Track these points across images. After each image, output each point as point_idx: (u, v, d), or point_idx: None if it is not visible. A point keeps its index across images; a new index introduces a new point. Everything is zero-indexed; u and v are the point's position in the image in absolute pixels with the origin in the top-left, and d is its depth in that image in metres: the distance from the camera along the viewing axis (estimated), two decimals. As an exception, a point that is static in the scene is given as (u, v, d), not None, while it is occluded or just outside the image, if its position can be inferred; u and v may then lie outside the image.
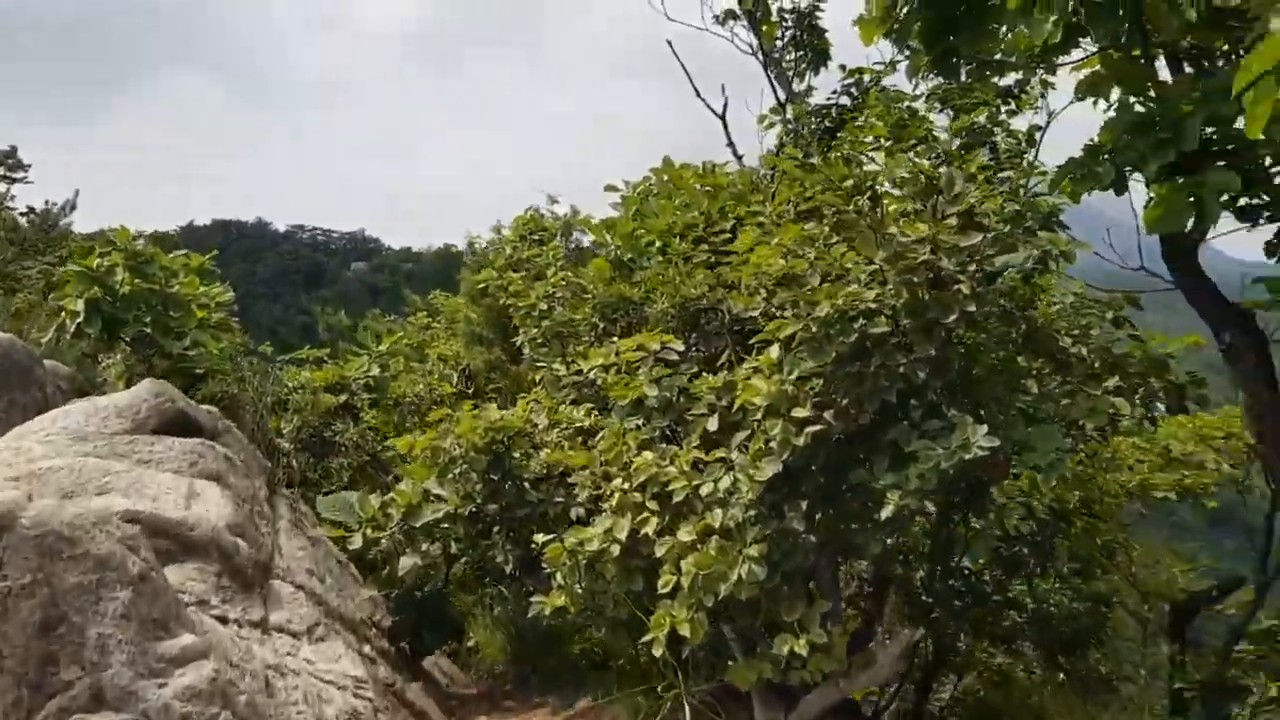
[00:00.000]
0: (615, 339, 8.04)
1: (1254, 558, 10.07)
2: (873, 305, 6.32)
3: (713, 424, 6.77)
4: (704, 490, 6.39)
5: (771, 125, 8.93)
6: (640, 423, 7.19)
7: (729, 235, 9.02)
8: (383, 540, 8.28)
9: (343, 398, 13.08)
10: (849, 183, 6.90)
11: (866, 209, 6.55)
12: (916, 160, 6.71)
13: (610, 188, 11.02)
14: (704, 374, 7.47)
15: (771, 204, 8.51)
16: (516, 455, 8.00)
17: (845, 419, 6.56)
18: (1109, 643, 10.44)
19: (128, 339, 13.41)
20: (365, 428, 12.84)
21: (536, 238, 10.14)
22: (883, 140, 8.64)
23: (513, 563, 8.02)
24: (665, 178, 10.94)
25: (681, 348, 7.41)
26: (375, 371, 13.46)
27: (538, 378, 8.66)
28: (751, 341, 7.36)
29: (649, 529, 6.45)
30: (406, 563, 8.49)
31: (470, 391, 11.78)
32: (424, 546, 8.50)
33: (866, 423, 6.53)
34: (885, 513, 6.11)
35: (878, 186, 6.79)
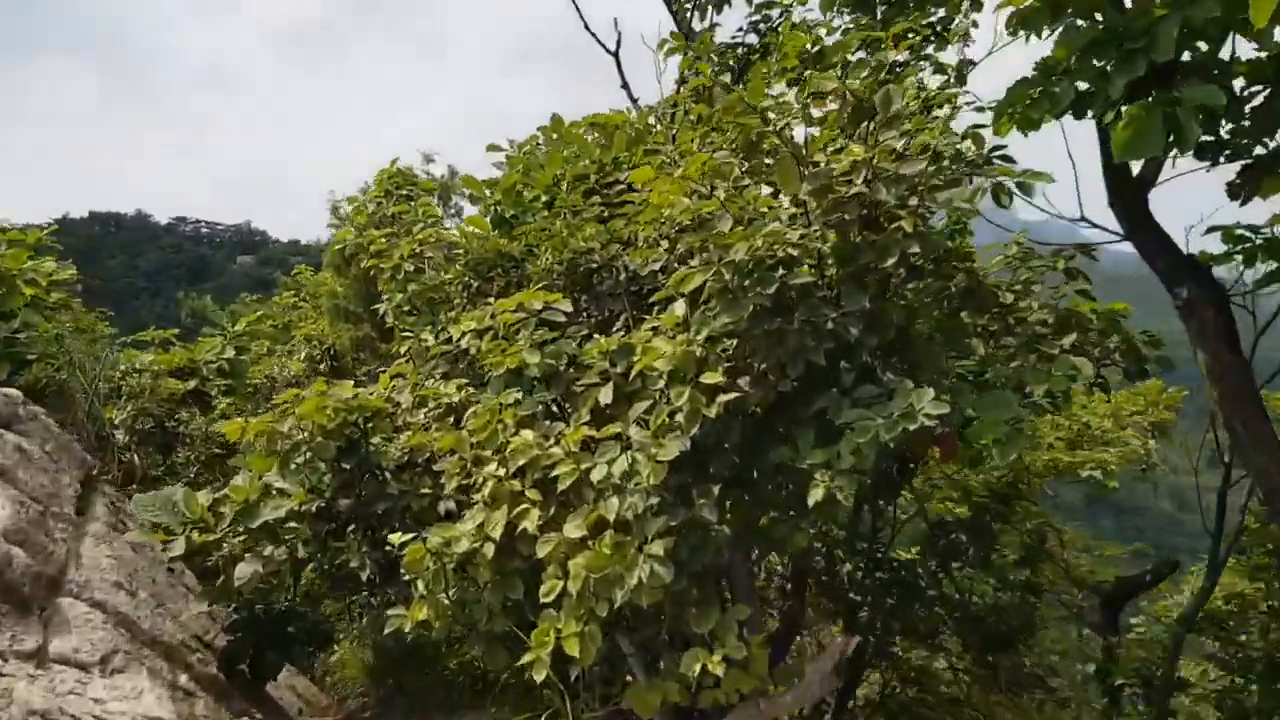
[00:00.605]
0: (492, 300, 6.81)
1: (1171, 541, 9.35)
2: (795, 250, 5.25)
3: (606, 395, 5.61)
4: (595, 475, 5.23)
5: (672, 52, 7.80)
6: (519, 396, 5.98)
7: (625, 187, 7.89)
8: (224, 545, 6.90)
9: (191, 384, 11.57)
10: (765, 106, 5.80)
11: (787, 135, 5.46)
12: (844, 81, 5.65)
13: (493, 147, 9.78)
14: (596, 338, 6.33)
15: (673, 145, 7.40)
16: (375, 441, 6.73)
17: (764, 385, 5.48)
18: (1039, 635, 9.62)
19: (-63, 319, 11.71)
20: (217, 416, 11.36)
21: (405, 193, 8.84)
22: (794, 75, 7.59)
23: (370, 567, 6.74)
24: (555, 135, 9.76)
25: (569, 309, 6.22)
26: (230, 354, 11.96)
27: (403, 349, 7.39)
28: (651, 300, 6.23)
29: (529, 523, 5.26)
30: (244, 570, 7.11)
31: (327, 372, 10.41)
32: (267, 550, 7.15)
33: (789, 390, 5.46)
34: (814, 497, 5.04)
35: (800, 109, 5.70)
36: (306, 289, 12.89)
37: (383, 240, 7.85)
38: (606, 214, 7.77)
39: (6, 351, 12.00)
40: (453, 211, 9.39)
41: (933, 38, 8.55)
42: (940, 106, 6.67)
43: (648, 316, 6.12)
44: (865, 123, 5.64)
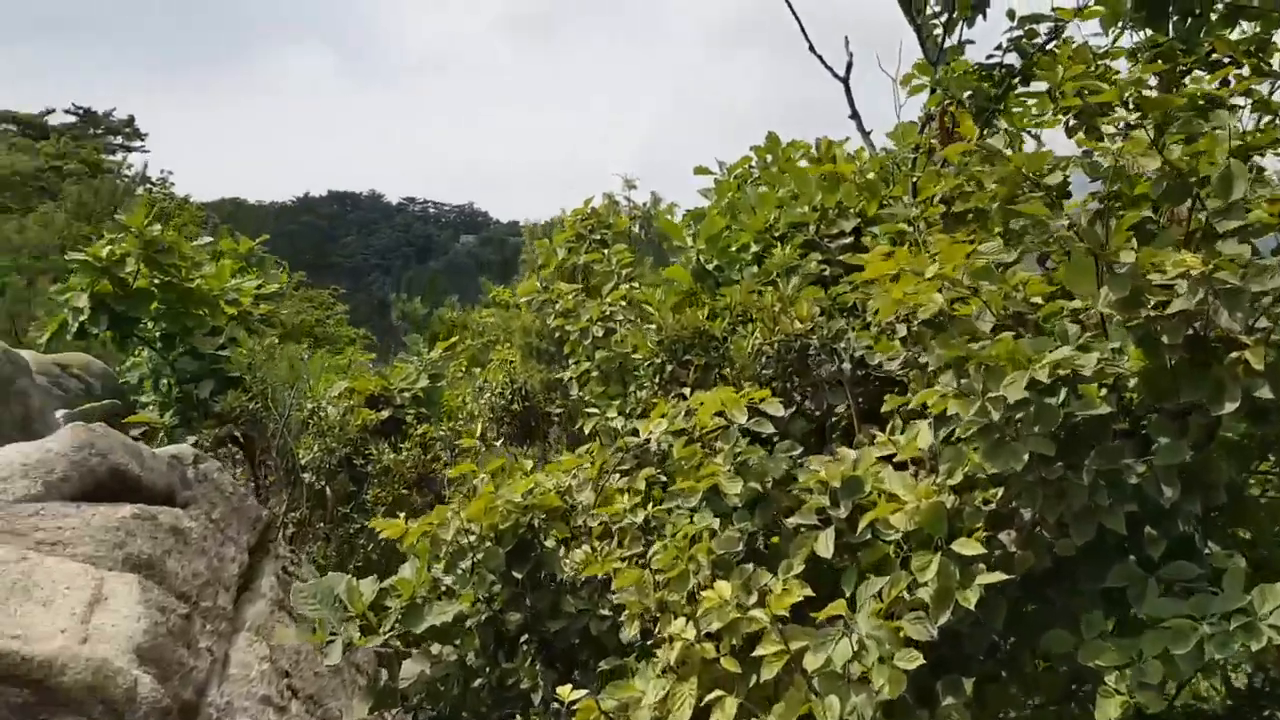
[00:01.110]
0: (687, 387, 5.76)
1: None
2: (1088, 373, 3.91)
3: (824, 546, 4.44)
4: (810, 662, 4.09)
5: (918, 90, 6.50)
6: (715, 525, 4.90)
7: (850, 240, 6.65)
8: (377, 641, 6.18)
9: (385, 413, 11.11)
10: (1045, 173, 4.47)
11: (1085, 219, 4.11)
12: (1160, 145, 4.23)
13: (701, 170, 8.71)
14: (811, 451, 5.16)
15: (913, 199, 6.11)
16: (550, 545, 5.82)
17: (1035, 546, 4.19)
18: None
19: (146, 339, 11.73)
20: (414, 445, 10.84)
21: (598, 238, 7.93)
22: (1072, 114, 6.12)
23: (543, 690, 5.85)
24: (769, 158, 8.58)
25: (779, 413, 5.08)
26: (424, 383, 11.45)
27: (588, 428, 6.47)
28: (885, 407, 5.01)
29: (726, 714, 4.18)
30: (410, 669, 6.38)
31: (518, 411, 9.61)
32: (435, 649, 6.39)
33: (1070, 554, 4.15)
34: (1104, 714, 3.74)
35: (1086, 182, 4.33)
36: (501, 313, 12.30)
37: (570, 298, 6.94)
38: (828, 272, 6.57)
39: (212, 369, 11.95)
40: (653, 238, 8.40)
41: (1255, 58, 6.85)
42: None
43: (879, 432, 4.90)
44: (1190, 199, 4.21)
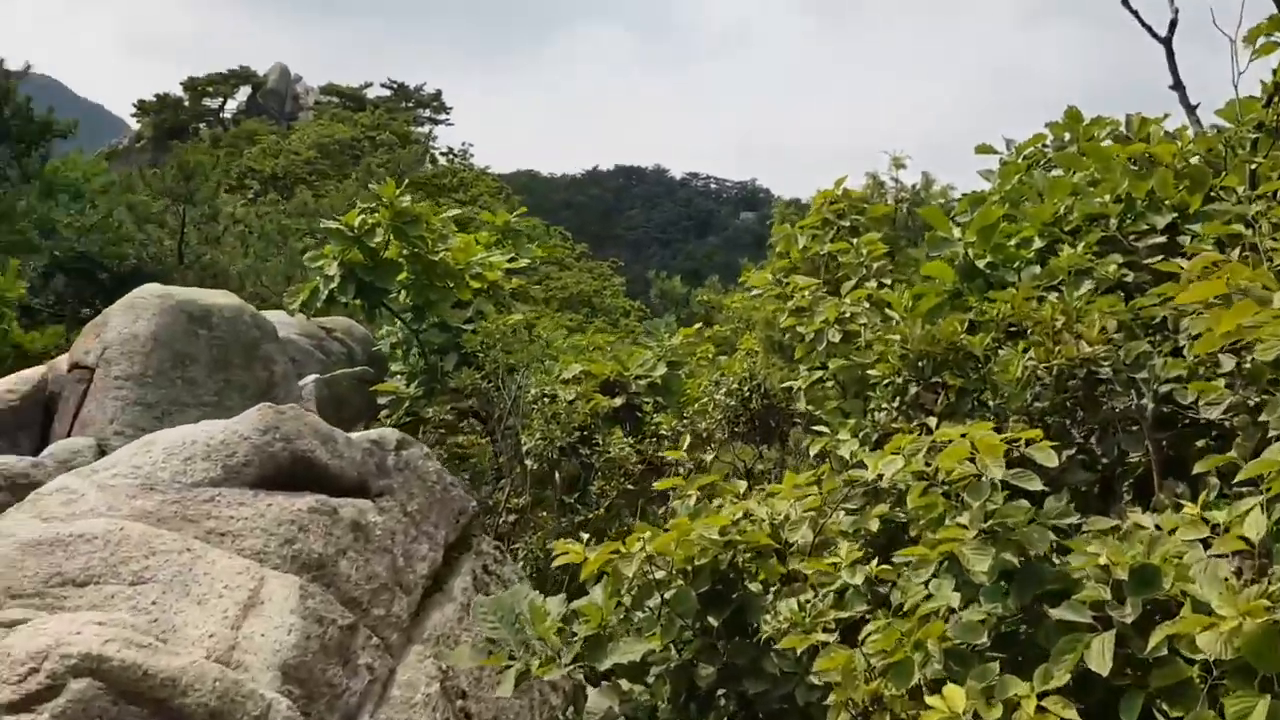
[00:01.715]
0: (933, 415, 4.64)
1: None
2: None
3: (1100, 656, 3.26)
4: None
5: (1270, 49, 4.97)
6: (957, 602, 3.81)
7: (1163, 240, 5.25)
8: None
9: (619, 400, 10.51)
10: None
11: None
12: None
13: (984, 149, 7.43)
14: (1091, 511, 3.95)
15: (1251, 191, 4.69)
16: (754, 588, 4.90)
17: None
18: None
19: (394, 309, 11.70)
20: (648, 437, 10.18)
21: (848, 224, 6.84)
22: None
23: (738, 759, 4.95)
24: (1066, 136, 7.18)
25: (1052, 460, 3.90)
26: (661, 371, 10.74)
27: (815, 448, 5.48)
28: (1199, 466, 3.73)
29: None
30: (597, 703, 5.69)
31: (757, 409, 8.71)
32: (624, 684, 5.64)
33: None
34: None
35: None
36: (743, 308, 11.37)
37: (806, 295, 5.93)
38: (1130, 278, 5.22)
39: (457, 342, 11.80)
40: (910, 242, 7.20)
41: None
42: None
43: (1187, 503, 3.62)
44: None
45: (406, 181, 25.64)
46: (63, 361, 9.36)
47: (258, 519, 5.27)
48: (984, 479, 3.88)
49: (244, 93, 77.84)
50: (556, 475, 9.92)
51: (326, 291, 10.60)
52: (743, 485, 5.62)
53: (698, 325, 11.83)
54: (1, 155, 18.24)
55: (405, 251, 10.79)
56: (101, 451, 8.30)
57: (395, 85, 79.78)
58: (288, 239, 20.24)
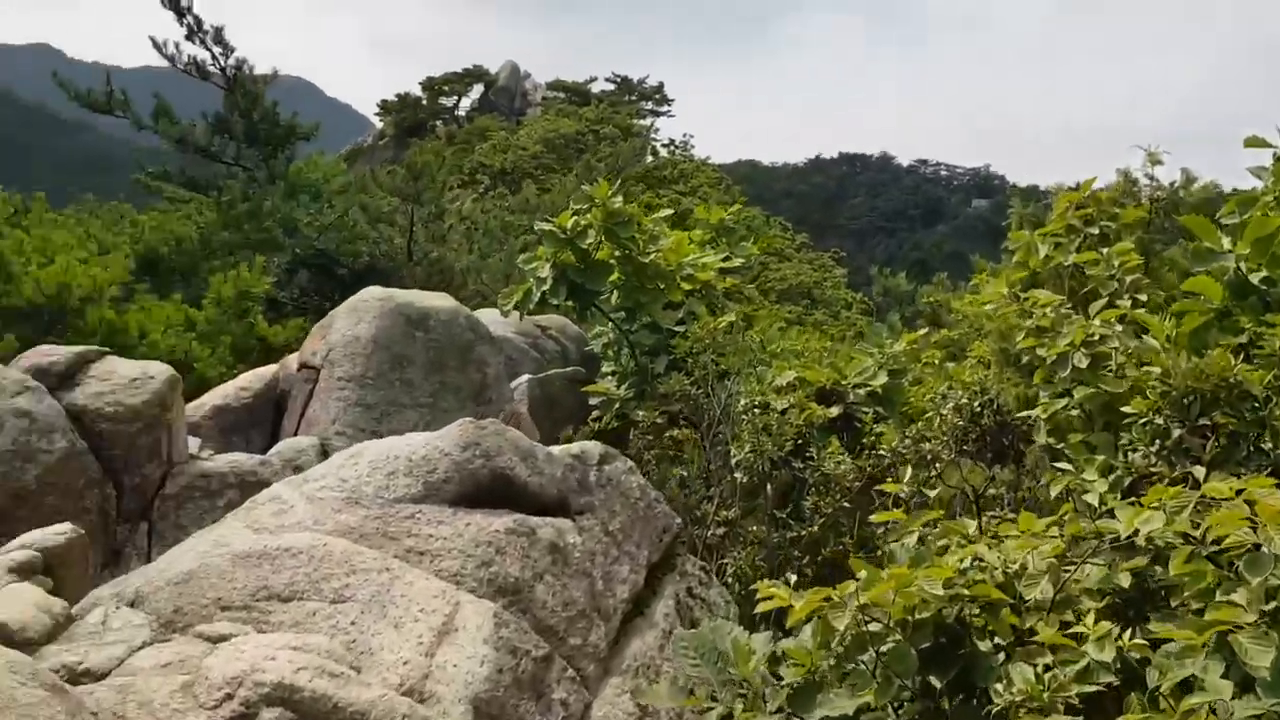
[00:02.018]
0: (1200, 464, 3.95)
1: None
2: None
3: None
4: None
5: None
6: (1229, 697, 3.18)
7: None
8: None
9: (835, 410, 9.97)
10: None
11: None
12: None
13: (1255, 142, 6.48)
14: None
15: None
16: (984, 647, 4.35)
17: None
18: None
19: (605, 310, 11.59)
20: (867, 451, 9.61)
21: (1096, 231, 6.04)
22: None
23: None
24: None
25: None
26: (882, 380, 10.12)
27: (1057, 488, 4.85)
28: None
29: None
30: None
31: (989, 425, 7.99)
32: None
33: None
34: None
35: None
36: (973, 312, 10.51)
37: (1047, 313, 5.28)
38: None
39: (668, 344, 11.58)
40: (1168, 250, 6.30)
41: None
42: None
43: None
44: None
45: (622, 177, 25.74)
46: (293, 360, 9.74)
47: (455, 538, 5.16)
48: (1265, 550, 3.22)
49: (476, 91, 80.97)
50: (769, 487, 9.52)
51: (539, 293, 10.60)
52: (971, 525, 5.07)
53: (923, 331, 11.12)
54: (251, 157, 19.47)
55: (616, 253, 10.65)
56: (324, 451, 8.55)
57: (619, 79, 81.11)
58: (510, 235, 20.68)
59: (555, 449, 6.29)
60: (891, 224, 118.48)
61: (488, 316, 12.13)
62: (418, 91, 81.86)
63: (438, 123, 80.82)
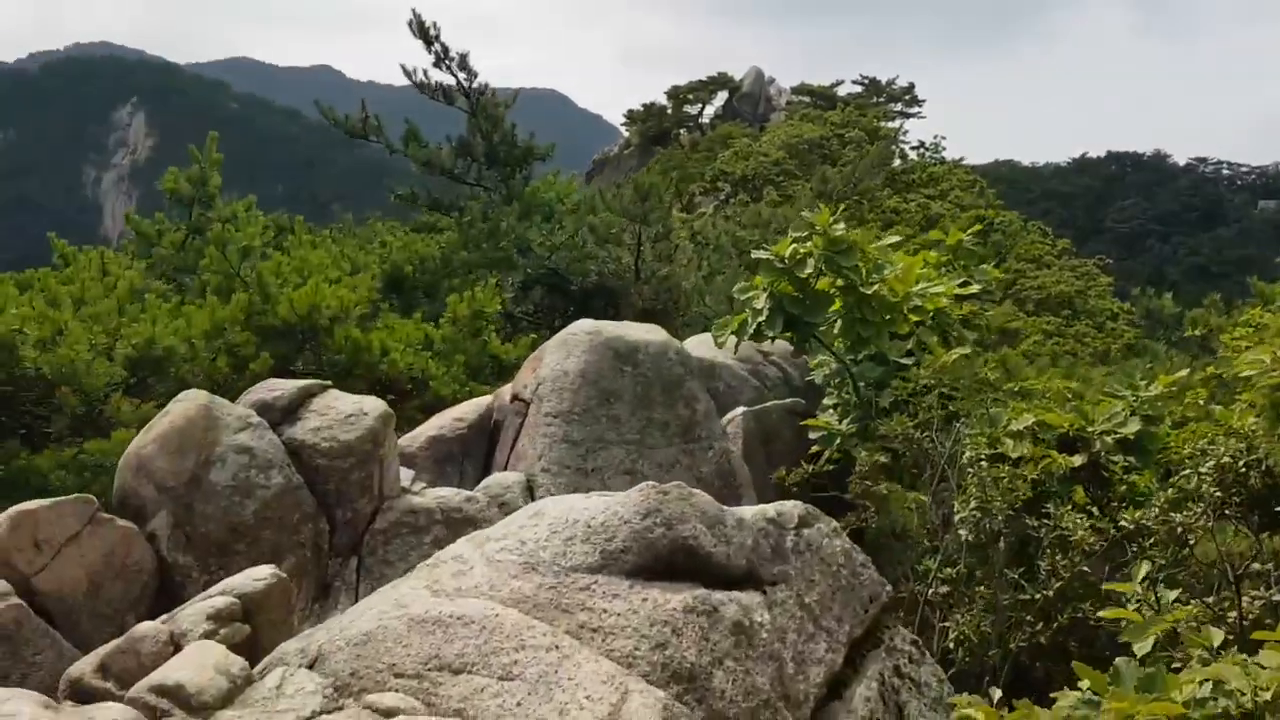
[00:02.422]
0: None
1: None
2: None
3: None
4: None
5: None
6: None
7: None
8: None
9: (1079, 459, 9.01)
10: None
11: None
12: None
13: None
14: None
15: None
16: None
17: None
18: None
19: (825, 341, 11.01)
20: (1118, 505, 8.64)
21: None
22: None
23: None
24: None
25: None
26: (1134, 426, 9.06)
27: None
28: None
29: None
30: None
31: (1258, 487, 6.94)
32: None
33: None
34: None
35: None
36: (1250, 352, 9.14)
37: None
38: None
39: (891, 375, 10.88)
40: None
41: None
42: None
43: None
44: None
45: (859, 189, 24.88)
46: (507, 391, 9.80)
47: (630, 615, 4.85)
48: None
49: (721, 98, 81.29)
50: (1001, 542, 8.72)
51: (754, 325, 10.19)
52: (1218, 636, 4.29)
53: (1183, 371, 9.87)
54: (491, 178, 20.08)
55: (838, 282, 10.09)
56: (530, 488, 8.51)
57: (866, 80, 79.30)
58: (740, 250, 20.39)
59: (748, 511, 5.87)
60: (1166, 227, 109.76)
61: (708, 342, 11.85)
62: (663, 100, 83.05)
63: (682, 130, 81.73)
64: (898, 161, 71.38)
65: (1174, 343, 17.83)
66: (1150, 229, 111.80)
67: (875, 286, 10.00)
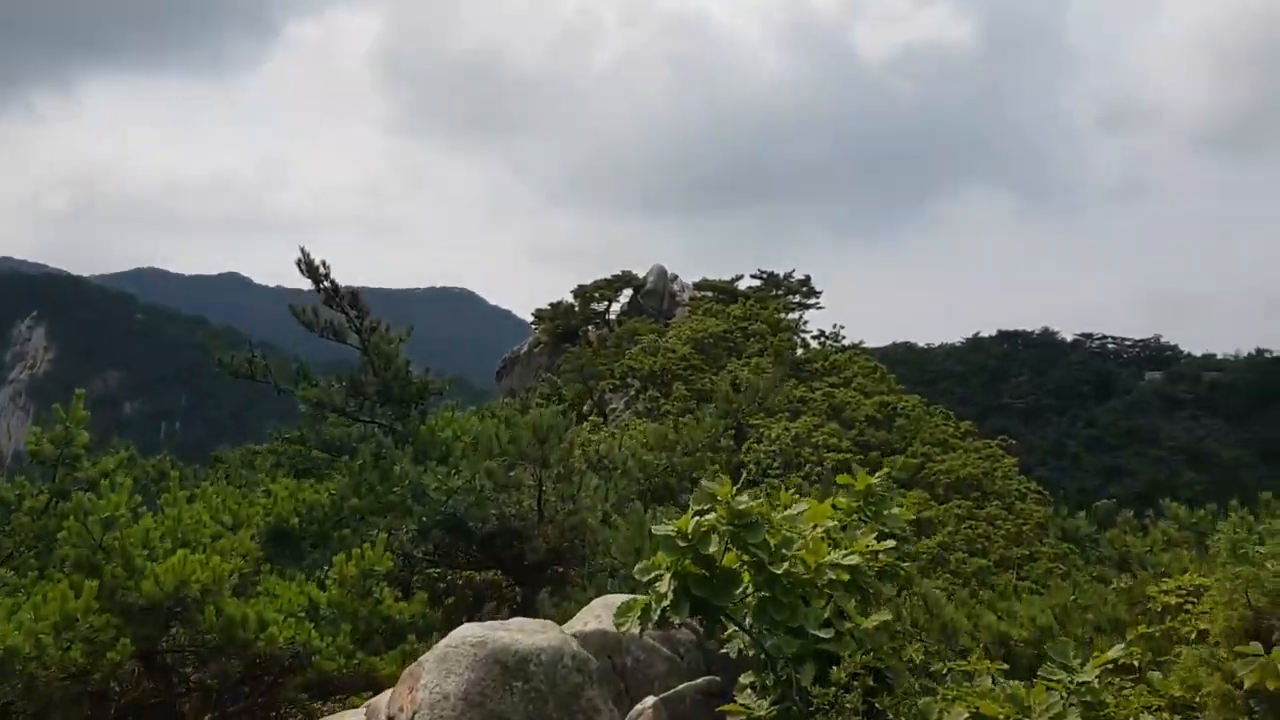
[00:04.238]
0: None
1: None
2: None
3: None
4: None
5: None
6: None
7: None
8: None
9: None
10: None
11: None
12: None
13: None
14: None
15: None
16: None
17: None
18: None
19: (735, 619, 10.22)
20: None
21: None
22: None
23: None
24: None
25: None
26: (1074, 717, 8.34)
27: None
28: None
29: None
30: None
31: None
32: None
33: None
34: None
35: None
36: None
37: None
38: None
39: (815, 649, 10.07)
40: None
41: None
42: None
43: None
44: None
45: (764, 400, 24.49)
46: (382, 707, 8.70)
47: None
48: None
49: (626, 294, 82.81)
50: None
51: (659, 610, 9.33)
52: None
53: (1120, 649, 9.23)
54: (385, 415, 19.28)
55: (745, 557, 9.36)
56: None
57: (765, 274, 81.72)
58: (648, 476, 19.78)
59: None
60: (1061, 401, 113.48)
61: (614, 606, 10.92)
62: (570, 299, 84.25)
63: (590, 327, 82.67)
64: (800, 351, 72.86)
65: (1091, 561, 17.50)
66: (1046, 403, 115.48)
67: (785, 564, 9.28)
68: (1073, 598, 14.54)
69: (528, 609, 16.58)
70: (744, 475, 10.74)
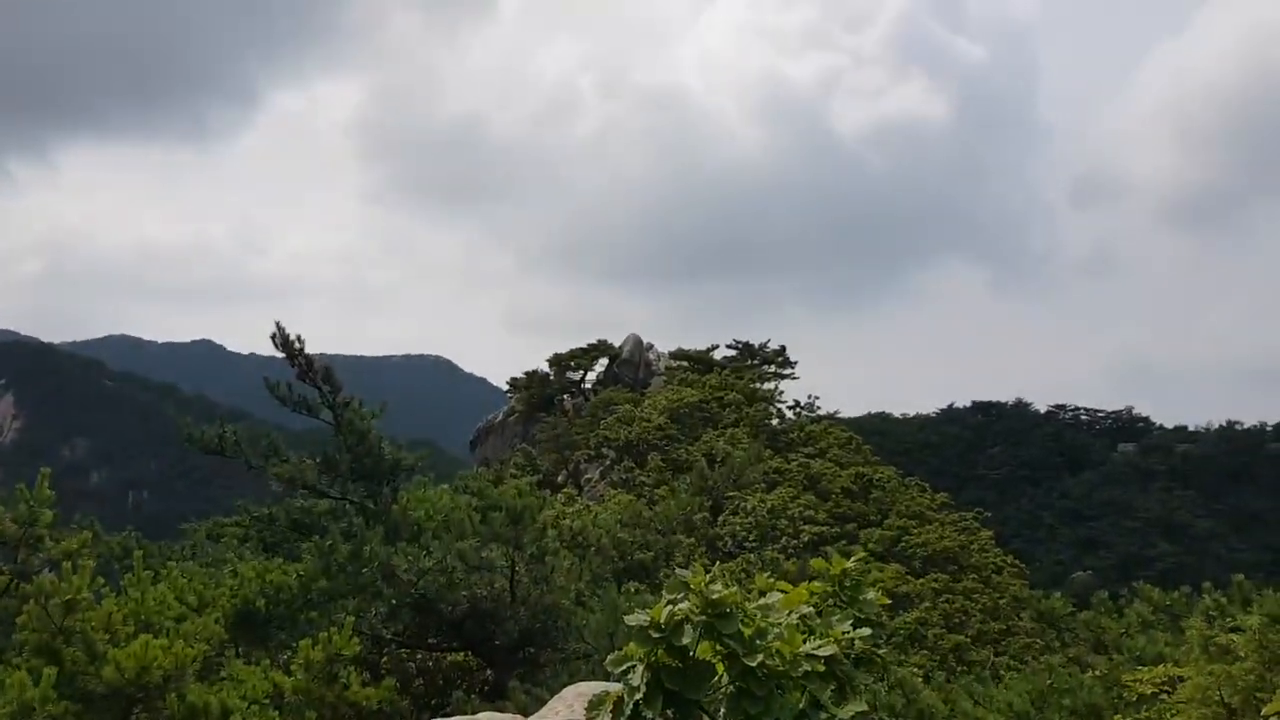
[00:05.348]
0: None
1: None
2: None
3: None
4: None
5: None
6: None
7: None
8: None
9: None
10: None
11: None
12: None
13: None
14: None
15: None
16: None
17: None
18: None
19: (709, 710, 10.07)
20: None
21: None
22: None
23: None
24: None
25: None
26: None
27: None
28: None
29: None
30: None
31: None
32: None
33: None
34: None
35: None
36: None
37: None
38: None
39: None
40: None
41: None
42: None
43: None
44: None
45: (740, 478, 24.37)
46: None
47: None
48: None
49: (602, 364, 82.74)
50: None
51: (630, 705, 9.18)
52: None
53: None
54: (356, 491, 19.08)
55: (719, 648, 9.25)
56: None
57: (740, 345, 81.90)
58: (623, 554, 19.62)
59: None
60: (1035, 472, 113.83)
61: (586, 695, 10.73)
62: (546, 368, 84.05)
63: (565, 396, 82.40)
64: (775, 421, 72.73)
65: (1067, 643, 17.43)
66: (1020, 474, 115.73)
67: (760, 655, 9.18)
68: (1049, 682, 14.44)
69: (498, 694, 16.29)
70: (720, 549, 10.69)
